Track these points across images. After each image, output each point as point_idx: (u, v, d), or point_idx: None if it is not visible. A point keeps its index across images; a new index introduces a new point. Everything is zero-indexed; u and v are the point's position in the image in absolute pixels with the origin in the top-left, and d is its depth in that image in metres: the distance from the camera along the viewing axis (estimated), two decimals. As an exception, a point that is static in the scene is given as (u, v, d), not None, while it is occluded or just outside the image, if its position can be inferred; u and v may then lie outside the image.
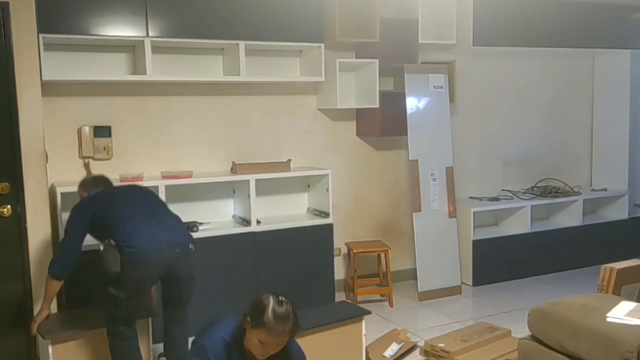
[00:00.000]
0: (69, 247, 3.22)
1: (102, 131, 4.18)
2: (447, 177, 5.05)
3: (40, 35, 3.64)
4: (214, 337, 2.48)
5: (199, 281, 4.15)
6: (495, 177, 5.84)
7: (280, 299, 2.41)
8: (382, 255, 4.88)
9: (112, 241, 3.10)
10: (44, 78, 3.66)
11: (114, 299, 3.12)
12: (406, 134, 4.91)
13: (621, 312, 2.77)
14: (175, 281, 3.33)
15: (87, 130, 4.14)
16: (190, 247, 3.31)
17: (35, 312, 3.64)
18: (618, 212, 6.04)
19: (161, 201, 3.56)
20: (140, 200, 3.33)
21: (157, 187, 4.00)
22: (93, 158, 4.18)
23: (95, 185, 3.44)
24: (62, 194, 3.80)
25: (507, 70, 5.79)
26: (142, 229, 3.13)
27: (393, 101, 4.93)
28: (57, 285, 3.24)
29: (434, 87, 5.03)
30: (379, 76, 4.80)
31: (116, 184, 3.60)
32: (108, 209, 3.21)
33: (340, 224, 4.92)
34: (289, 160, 4.63)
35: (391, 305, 4.78)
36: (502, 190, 5.82)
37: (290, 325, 2.40)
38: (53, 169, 4.00)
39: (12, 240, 3.56)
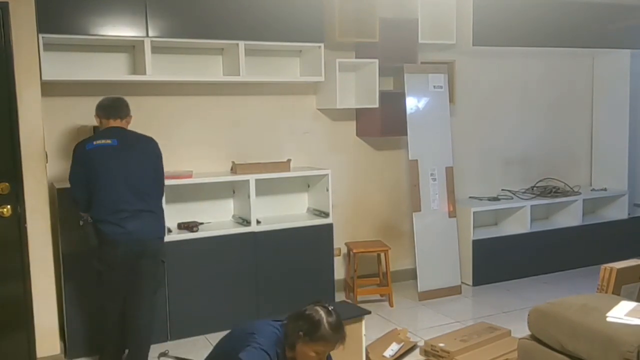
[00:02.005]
0: (75, 195, 3.47)
1: (102, 131, 4.17)
2: (447, 177, 5.05)
3: (40, 35, 3.64)
4: (266, 341, 2.47)
5: (199, 281, 4.17)
6: (495, 177, 5.84)
7: (329, 308, 2.48)
8: (382, 255, 4.88)
9: (89, 218, 3.39)
10: (43, 78, 3.66)
11: (97, 272, 3.43)
12: (406, 134, 4.91)
13: (621, 312, 2.77)
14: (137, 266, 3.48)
15: (86, 130, 4.14)
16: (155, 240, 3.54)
17: (36, 312, 3.66)
18: (618, 212, 6.04)
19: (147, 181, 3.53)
20: (133, 179, 3.43)
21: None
22: (93, 158, 4.18)
23: (107, 115, 3.53)
24: (61, 193, 3.79)
25: (507, 70, 5.79)
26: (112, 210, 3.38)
27: (393, 101, 4.93)
28: None
29: (434, 87, 5.03)
30: (379, 76, 4.80)
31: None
32: (99, 173, 3.38)
33: (340, 224, 4.92)
34: (289, 160, 4.63)
35: (391, 305, 4.78)
36: (502, 190, 5.82)
37: (344, 331, 2.48)
38: (53, 169, 4.00)
39: (12, 240, 3.56)
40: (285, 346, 2.50)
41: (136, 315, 3.50)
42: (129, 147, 3.47)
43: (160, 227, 3.58)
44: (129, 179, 3.41)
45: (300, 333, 2.44)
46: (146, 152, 3.54)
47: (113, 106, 3.56)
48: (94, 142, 3.43)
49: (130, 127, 4.28)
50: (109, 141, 3.43)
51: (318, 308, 2.48)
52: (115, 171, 3.39)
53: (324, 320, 2.43)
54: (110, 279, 3.48)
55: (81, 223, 3.47)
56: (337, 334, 2.46)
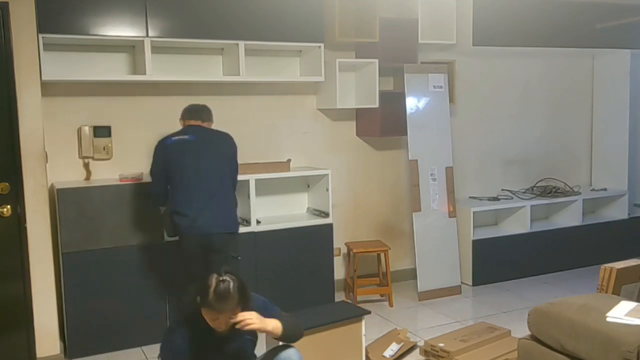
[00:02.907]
0: (151, 189, 3.66)
1: (101, 131, 4.18)
2: (447, 177, 5.05)
3: (40, 35, 3.64)
4: (171, 326, 2.69)
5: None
6: (495, 177, 5.84)
7: (222, 278, 2.52)
8: (382, 255, 4.88)
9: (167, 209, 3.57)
10: (43, 78, 3.66)
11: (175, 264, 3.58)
12: (406, 134, 4.91)
13: (621, 312, 2.77)
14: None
15: (86, 130, 4.14)
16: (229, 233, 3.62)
17: (36, 312, 3.66)
18: (618, 212, 6.05)
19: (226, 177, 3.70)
20: (207, 172, 3.56)
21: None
22: (93, 158, 4.18)
23: (189, 116, 3.73)
24: (61, 193, 3.80)
25: (507, 70, 5.79)
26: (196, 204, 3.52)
27: (393, 101, 4.93)
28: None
29: (434, 87, 5.03)
30: (379, 76, 4.80)
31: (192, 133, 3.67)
32: (175, 167, 3.54)
33: (340, 224, 4.92)
34: (289, 160, 4.63)
35: (391, 305, 4.78)
36: (502, 190, 5.82)
37: (235, 302, 2.50)
38: (53, 169, 4.00)
39: (12, 240, 3.57)
40: (197, 314, 2.59)
41: None
42: (205, 141, 3.63)
43: (231, 221, 3.66)
44: (203, 172, 3.55)
45: (197, 298, 2.52)
46: (221, 147, 3.69)
47: (196, 110, 3.76)
48: (173, 138, 3.63)
49: (130, 127, 4.32)
50: (186, 136, 3.62)
51: (214, 276, 2.53)
52: (190, 164, 3.54)
53: (212, 288, 2.48)
54: (185, 272, 3.60)
55: (161, 212, 3.74)
56: (220, 304, 2.47)
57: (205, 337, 2.60)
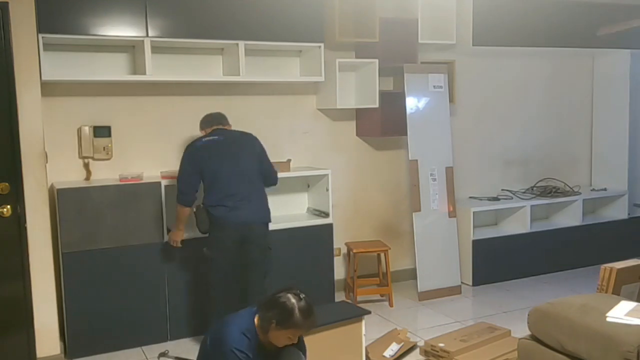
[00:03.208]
0: (183, 186, 3.75)
1: (101, 131, 4.18)
2: (447, 177, 5.05)
3: (40, 35, 3.64)
4: (235, 335, 2.59)
5: (200, 280, 4.17)
6: (495, 177, 5.84)
7: (300, 295, 2.59)
8: (382, 255, 4.88)
9: (201, 205, 3.73)
10: (43, 78, 3.66)
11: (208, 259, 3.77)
12: (406, 134, 4.91)
13: (621, 312, 2.77)
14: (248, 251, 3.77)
15: (86, 130, 4.14)
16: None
17: (36, 312, 3.66)
18: (618, 212, 6.05)
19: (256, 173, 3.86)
20: (242, 168, 3.76)
21: (157, 187, 4.02)
22: (93, 158, 4.18)
23: (210, 124, 3.93)
24: (61, 193, 3.80)
25: (507, 70, 5.79)
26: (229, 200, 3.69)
27: (393, 101, 4.93)
28: (187, 211, 3.78)
29: (434, 87, 5.03)
30: (379, 76, 4.80)
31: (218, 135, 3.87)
32: (210, 165, 3.72)
33: (340, 224, 4.92)
34: (289, 160, 4.63)
35: (391, 305, 4.78)
36: (502, 190, 5.82)
37: (315, 316, 2.61)
38: (53, 169, 4.00)
39: (12, 240, 3.57)
40: (258, 330, 2.63)
41: (246, 300, 3.69)
42: (233, 141, 3.84)
43: (266, 213, 3.86)
44: (236, 169, 3.74)
45: (273, 321, 2.55)
46: (248, 145, 3.87)
47: (214, 117, 3.96)
48: (203, 139, 3.82)
49: (130, 127, 4.32)
50: (215, 137, 3.82)
51: (290, 295, 2.59)
52: (223, 162, 3.73)
53: (296, 308, 2.54)
54: (220, 264, 3.74)
55: (194, 209, 3.79)
56: (308, 320, 2.58)
57: (263, 355, 2.64)
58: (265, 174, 3.91)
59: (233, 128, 4.00)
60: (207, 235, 3.82)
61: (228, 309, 3.56)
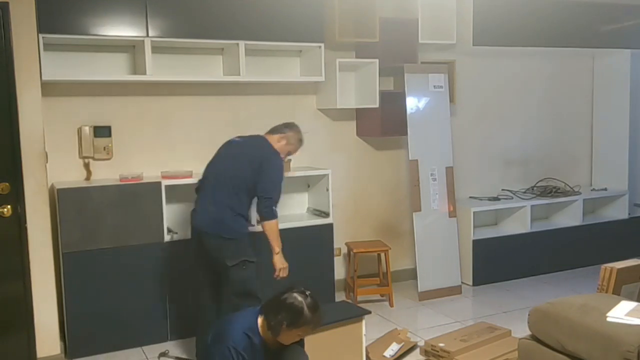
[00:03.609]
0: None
1: (102, 131, 4.18)
2: (447, 177, 5.05)
3: (40, 35, 3.64)
4: (236, 335, 2.61)
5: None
6: (495, 177, 5.84)
7: (305, 293, 2.63)
8: (382, 255, 4.88)
9: None
10: (43, 78, 3.66)
11: None
12: (406, 134, 4.91)
13: (621, 312, 2.77)
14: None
15: (87, 130, 4.14)
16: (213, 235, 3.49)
17: (36, 312, 3.65)
18: (618, 211, 6.04)
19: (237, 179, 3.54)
20: (219, 175, 3.57)
21: (157, 187, 4.02)
22: (93, 158, 4.18)
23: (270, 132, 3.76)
24: (61, 193, 3.79)
25: (507, 70, 5.79)
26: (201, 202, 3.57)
27: (393, 101, 4.93)
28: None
29: (434, 87, 5.03)
30: (379, 76, 4.80)
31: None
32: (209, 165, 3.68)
33: (340, 224, 4.92)
34: (289, 160, 4.62)
35: (391, 305, 4.78)
36: (502, 190, 5.82)
37: (321, 308, 2.65)
38: (53, 169, 4.00)
39: (12, 240, 3.57)
40: (262, 330, 2.65)
41: (216, 314, 3.57)
42: (244, 147, 3.64)
43: (221, 226, 3.43)
44: (223, 175, 3.55)
45: (284, 323, 2.57)
46: (252, 154, 3.57)
47: (277, 126, 3.75)
48: (234, 138, 3.74)
49: (130, 127, 4.32)
50: (238, 139, 3.72)
51: (296, 295, 2.62)
52: (217, 165, 3.62)
53: (305, 307, 2.58)
54: (191, 267, 3.68)
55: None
56: (317, 315, 2.62)
57: (265, 354, 2.67)
58: (258, 194, 3.51)
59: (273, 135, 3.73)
60: None
61: (200, 315, 3.60)
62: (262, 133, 3.74)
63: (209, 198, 3.53)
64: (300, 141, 3.80)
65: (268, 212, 3.50)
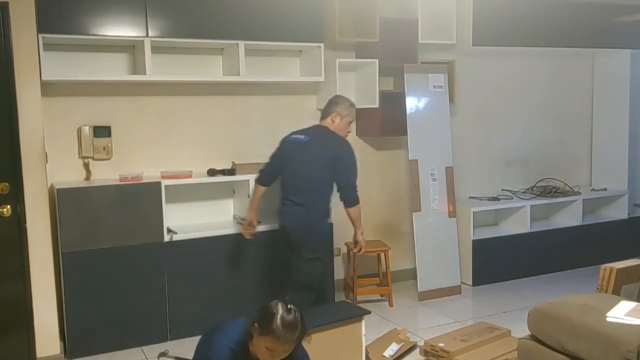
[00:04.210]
0: (262, 169, 3.96)
1: (101, 131, 4.17)
2: (447, 177, 5.05)
3: (40, 35, 3.64)
4: (219, 347, 2.49)
5: (199, 281, 4.17)
6: (495, 177, 5.84)
7: (289, 306, 2.44)
8: (382, 255, 4.88)
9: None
10: (43, 78, 3.66)
11: None
12: (406, 134, 4.91)
13: (621, 312, 2.77)
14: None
15: (86, 130, 4.14)
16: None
17: (36, 312, 3.66)
18: (618, 212, 6.05)
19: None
20: (302, 173, 3.77)
21: (157, 187, 4.02)
22: (93, 158, 4.18)
23: (321, 117, 3.94)
24: (61, 193, 3.79)
25: (507, 70, 5.79)
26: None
27: (393, 101, 4.93)
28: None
29: (434, 87, 5.03)
30: (379, 76, 4.80)
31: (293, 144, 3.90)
32: (285, 163, 3.86)
33: (340, 224, 4.91)
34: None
35: (391, 305, 4.78)
36: (502, 190, 5.82)
37: (298, 333, 2.43)
38: (53, 169, 4.00)
39: (12, 240, 3.57)
40: (247, 342, 2.50)
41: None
42: (314, 146, 3.78)
43: (310, 231, 3.76)
44: (303, 174, 3.75)
45: (256, 325, 2.44)
46: (324, 153, 3.76)
47: (323, 110, 3.93)
48: (292, 136, 3.88)
49: (130, 127, 4.32)
50: (302, 136, 3.83)
51: (279, 303, 2.45)
52: (295, 164, 3.77)
53: (278, 315, 2.40)
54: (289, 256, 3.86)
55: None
56: (289, 333, 2.40)
57: None
58: (340, 185, 3.79)
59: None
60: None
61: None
62: (315, 123, 3.96)
63: (297, 202, 3.75)
64: (351, 107, 3.93)
65: (353, 199, 3.83)
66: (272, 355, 2.43)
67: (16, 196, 3.55)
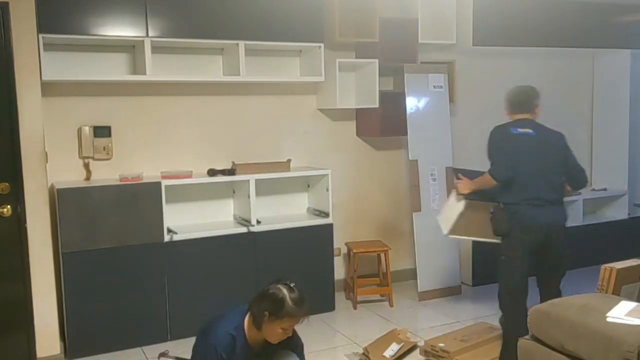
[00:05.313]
0: (504, 174, 3.61)
1: (102, 131, 4.18)
2: (447, 177, 5.04)
3: (40, 35, 3.64)
4: (220, 334, 2.62)
5: (200, 281, 4.17)
6: (495, 177, 5.83)
7: (290, 285, 2.63)
8: (382, 255, 4.88)
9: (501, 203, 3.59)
10: (44, 78, 3.66)
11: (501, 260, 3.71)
12: (406, 134, 4.91)
13: (621, 312, 2.77)
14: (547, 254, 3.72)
15: (87, 130, 4.14)
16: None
17: (36, 312, 3.66)
18: (618, 211, 6.04)
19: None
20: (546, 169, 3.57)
21: (157, 187, 4.02)
22: (93, 158, 4.18)
23: (520, 108, 3.74)
24: (61, 193, 3.79)
25: (507, 70, 5.78)
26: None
27: (393, 101, 4.93)
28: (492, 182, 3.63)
29: (434, 87, 5.03)
30: (379, 76, 4.79)
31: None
32: (516, 159, 3.56)
33: (340, 224, 4.92)
34: (289, 160, 4.63)
35: (391, 305, 4.78)
36: (502, 190, 5.81)
37: (306, 303, 2.63)
38: (53, 169, 4.00)
39: (12, 240, 3.57)
40: (247, 329, 2.66)
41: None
42: (544, 140, 3.62)
43: (563, 216, 3.68)
44: (544, 171, 3.56)
45: (266, 313, 2.58)
46: (557, 146, 3.65)
47: (520, 102, 3.75)
48: (518, 129, 3.62)
49: (130, 127, 4.32)
50: (529, 130, 3.61)
51: (280, 286, 2.63)
52: (533, 161, 3.56)
53: (287, 298, 2.58)
54: (520, 264, 3.69)
55: (491, 210, 3.66)
56: (301, 308, 2.60)
57: (248, 355, 2.66)
58: (570, 174, 3.69)
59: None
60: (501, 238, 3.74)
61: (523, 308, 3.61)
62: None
63: (546, 196, 3.56)
64: (539, 95, 3.81)
65: (586, 180, 3.79)
66: (285, 333, 2.62)
67: (16, 196, 3.56)
